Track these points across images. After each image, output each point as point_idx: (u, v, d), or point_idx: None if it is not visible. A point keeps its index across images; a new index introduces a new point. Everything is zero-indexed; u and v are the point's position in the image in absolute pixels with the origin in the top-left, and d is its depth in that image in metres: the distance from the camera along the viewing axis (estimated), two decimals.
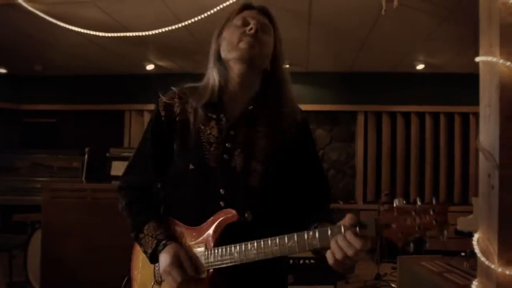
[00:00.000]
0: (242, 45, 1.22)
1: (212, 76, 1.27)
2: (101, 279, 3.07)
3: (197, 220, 1.23)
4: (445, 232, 0.94)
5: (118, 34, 3.24)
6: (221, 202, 1.21)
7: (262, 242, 1.10)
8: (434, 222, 0.94)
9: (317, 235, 1.03)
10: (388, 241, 1.00)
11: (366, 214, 5.06)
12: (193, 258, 1.19)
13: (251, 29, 1.22)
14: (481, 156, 1.88)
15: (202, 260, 1.18)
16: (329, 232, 1.02)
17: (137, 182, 1.34)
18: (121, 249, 3.07)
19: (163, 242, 1.21)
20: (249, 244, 1.11)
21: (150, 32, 3.35)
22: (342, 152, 5.84)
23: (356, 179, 5.70)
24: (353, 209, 5.01)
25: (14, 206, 5.06)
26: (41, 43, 4.40)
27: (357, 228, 0.99)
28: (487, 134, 1.81)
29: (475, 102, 6.22)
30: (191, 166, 1.23)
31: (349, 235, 0.99)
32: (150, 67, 5.38)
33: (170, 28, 3.27)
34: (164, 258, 1.19)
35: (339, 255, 1.00)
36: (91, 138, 5.69)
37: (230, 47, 1.24)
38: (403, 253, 4.04)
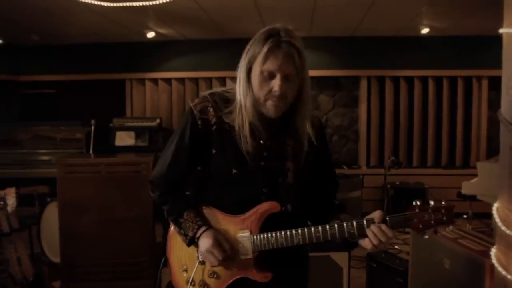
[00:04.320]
0: (269, 105, 1.32)
1: (246, 109, 1.35)
2: (118, 251, 3.14)
3: (240, 212, 1.39)
4: (451, 226, 1.27)
5: (124, 4, 3.15)
6: (263, 197, 1.38)
7: (305, 230, 1.32)
8: (444, 218, 1.26)
9: (355, 225, 1.29)
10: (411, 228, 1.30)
11: (371, 179, 5.17)
12: (236, 241, 1.37)
13: (276, 90, 1.29)
14: (502, 128, 1.91)
15: (248, 243, 1.36)
16: (365, 223, 1.28)
17: (170, 178, 1.47)
18: (137, 221, 3.17)
19: (203, 227, 1.38)
20: (293, 231, 1.32)
21: (155, 2, 3.26)
22: (345, 117, 5.87)
23: (359, 144, 5.76)
24: (357, 174, 5.09)
25: (19, 179, 5.06)
26: (37, 12, 4.26)
27: (388, 221, 1.27)
28: (509, 106, 1.84)
29: (478, 65, 6.22)
30: (234, 171, 1.38)
31: (384, 226, 1.26)
32: (150, 34, 5.26)
33: None
34: (205, 241, 1.35)
35: (375, 241, 1.26)
36: (92, 108, 5.65)
37: (257, 102, 1.34)
38: None
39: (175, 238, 1.49)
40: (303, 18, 4.66)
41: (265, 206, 1.36)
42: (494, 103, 5.51)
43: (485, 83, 5.40)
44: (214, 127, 1.39)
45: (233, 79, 5.45)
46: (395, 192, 5.05)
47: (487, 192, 3.95)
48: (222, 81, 5.78)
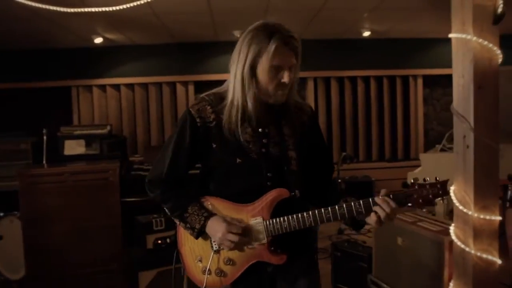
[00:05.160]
0: (279, 95, 1.44)
1: (246, 100, 1.43)
2: (87, 260, 3.10)
3: (248, 199, 1.47)
4: (445, 198, 1.43)
5: (82, 10, 3.09)
6: (268, 183, 1.48)
7: (316, 212, 1.42)
8: (440, 192, 1.40)
9: (362, 204, 1.40)
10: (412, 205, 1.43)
11: None
12: (250, 228, 1.44)
13: (285, 81, 1.41)
14: (455, 119, 2.17)
15: (261, 229, 1.44)
16: (371, 201, 1.40)
17: (171, 176, 1.52)
18: (106, 228, 3.14)
19: (210, 218, 1.45)
20: (305, 214, 1.42)
21: (112, 8, 3.23)
22: None
23: None
24: None
25: None
26: None
27: (391, 196, 1.40)
28: (461, 100, 2.10)
29: (413, 65, 6.76)
30: (238, 160, 1.47)
31: (387, 198, 1.39)
32: (98, 40, 5.14)
33: (135, 3, 3.18)
34: (217, 227, 1.42)
35: (381, 213, 1.38)
36: (36, 118, 5.41)
37: (266, 93, 1.44)
38: None
39: (185, 231, 1.53)
40: (254, 22, 4.80)
41: (275, 193, 1.44)
42: (428, 100, 6.04)
43: (420, 81, 5.90)
44: (214, 123, 1.47)
45: (183, 83, 5.47)
46: (345, 186, 5.35)
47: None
48: (172, 86, 5.78)
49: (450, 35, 2.12)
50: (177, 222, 1.52)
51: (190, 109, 1.49)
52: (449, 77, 6.62)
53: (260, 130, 1.48)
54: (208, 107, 1.47)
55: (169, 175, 1.50)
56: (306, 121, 1.57)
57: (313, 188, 1.58)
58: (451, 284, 2.21)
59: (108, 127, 5.36)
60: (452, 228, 2.19)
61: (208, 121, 1.47)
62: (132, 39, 5.39)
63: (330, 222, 1.41)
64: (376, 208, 1.38)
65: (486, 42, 1.98)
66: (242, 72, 1.42)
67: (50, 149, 4.93)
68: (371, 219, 1.40)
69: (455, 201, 2.13)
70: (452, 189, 2.18)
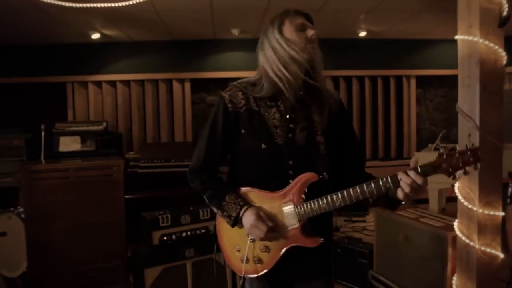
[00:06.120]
0: (310, 49, 1.52)
1: (285, 75, 1.49)
2: (91, 257, 3.10)
3: (271, 185, 1.52)
4: (478, 164, 1.32)
5: (88, 5, 3.08)
6: (290, 171, 1.51)
7: (345, 192, 1.42)
8: (471, 158, 1.31)
9: (389, 180, 1.37)
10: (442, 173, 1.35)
11: None
12: (282, 214, 1.49)
13: (312, 35, 1.54)
14: (460, 118, 2.24)
15: (293, 214, 1.48)
16: (399, 176, 1.35)
17: (208, 165, 1.62)
18: (109, 225, 3.14)
19: (245, 206, 1.51)
20: (334, 195, 1.43)
21: (120, 4, 3.23)
22: None
23: None
24: None
25: None
26: None
27: (419, 169, 1.33)
28: (466, 100, 2.16)
29: (407, 65, 6.87)
30: (263, 146, 1.52)
31: (412, 173, 1.33)
32: (95, 36, 5.11)
33: (140, 0, 3.19)
34: (248, 218, 1.48)
35: (407, 189, 1.33)
36: (30, 113, 5.37)
37: (298, 48, 1.51)
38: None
39: (223, 222, 1.60)
40: (253, 20, 4.83)
41: (304, 177, 1.47)
42: (421, 100, 6.16)
43: (413, 82, 6.01)
44: (244, 108, 1.54)
45: (180, 80, 5.49)
46: None
47: None
48: (169, 83, 5.77)
49: (457, 37, 2.19)
50: (215, 210, 1.59)
51: (223, 95, 1.57)
52: (442, 78, 6.78)
53: (287, 116, 1.53)
54: (239, 93, 1.55)
55: (206, 162, 1.59)
56: (335, 109, 1.60)
57: (346, 175, 1.58)
58: (454, 278, 2.28)
59: (104, 124, 5.34)
60: (456, 224, 2.26)
61: (239, 107, 1.54)
62: (129, 35, 5.37)
63: (359, 200, 1.41)
64: (401, 183, 1.34)
65: (492, 44, 2.05)
66: (272, 41, 1.52)
67: (45, 144, 4.92)
68: (399, 194, 1.37)
69: (460, 197, 2.20)
70: (456, 185, 2.25)
